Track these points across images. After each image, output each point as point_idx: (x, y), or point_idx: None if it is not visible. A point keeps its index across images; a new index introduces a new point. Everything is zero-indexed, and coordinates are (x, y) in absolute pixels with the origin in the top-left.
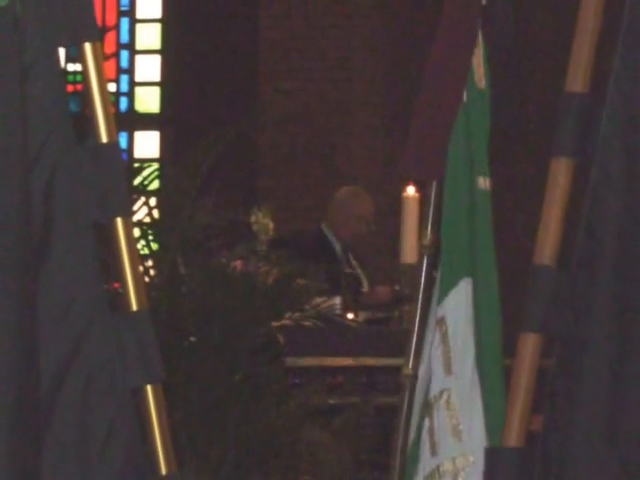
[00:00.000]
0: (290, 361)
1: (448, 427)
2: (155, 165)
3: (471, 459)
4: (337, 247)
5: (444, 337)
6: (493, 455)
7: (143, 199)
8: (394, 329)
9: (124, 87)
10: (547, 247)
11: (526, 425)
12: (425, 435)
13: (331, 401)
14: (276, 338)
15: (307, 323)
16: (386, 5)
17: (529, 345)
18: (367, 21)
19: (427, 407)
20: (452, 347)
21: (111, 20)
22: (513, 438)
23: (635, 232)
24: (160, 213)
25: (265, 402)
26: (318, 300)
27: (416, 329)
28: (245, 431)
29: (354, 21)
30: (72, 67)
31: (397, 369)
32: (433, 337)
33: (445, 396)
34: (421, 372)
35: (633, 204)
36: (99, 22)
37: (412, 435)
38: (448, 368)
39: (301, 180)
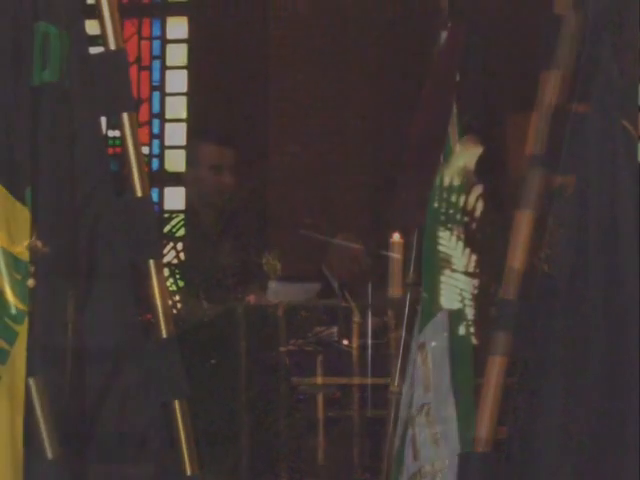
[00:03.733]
0: (295, 380)
1: (428, 436)
2: (181, 216)
3: (447, 462)
4: (335, 285)
5: (424, 360)
6: (465, 459)
7: (172, 244)
8: (383, 353)
9: (156, 150)
10: (511, 284)
11: (493, 434)
12: (409, 442)
13: (330, 414)
14: (284, 361)
15: (309, 348)
16: (375, 81)
17: (496, 366)
18: (359, 95)
19: (410, 419)
20: (431, 368)
21: (145, 93)
22: (482, 445)
23: (584, 273)
24: (186, 256)
25: (274, 414)
26: (318, 329)
27: (401, 353)
28: (257, 439)
29: (348, 94)
30: (112, 133)
31: (385, 387)
32: (415, 360)
33: (425, 410)
34: (405, 389)
35: (583, 249)
36: (134, 95)
37: (398, 442)
38: (427, 386)
39: (304, 228)
